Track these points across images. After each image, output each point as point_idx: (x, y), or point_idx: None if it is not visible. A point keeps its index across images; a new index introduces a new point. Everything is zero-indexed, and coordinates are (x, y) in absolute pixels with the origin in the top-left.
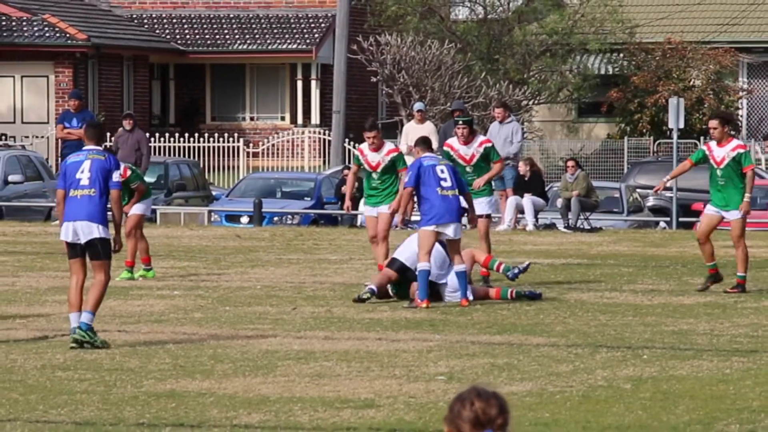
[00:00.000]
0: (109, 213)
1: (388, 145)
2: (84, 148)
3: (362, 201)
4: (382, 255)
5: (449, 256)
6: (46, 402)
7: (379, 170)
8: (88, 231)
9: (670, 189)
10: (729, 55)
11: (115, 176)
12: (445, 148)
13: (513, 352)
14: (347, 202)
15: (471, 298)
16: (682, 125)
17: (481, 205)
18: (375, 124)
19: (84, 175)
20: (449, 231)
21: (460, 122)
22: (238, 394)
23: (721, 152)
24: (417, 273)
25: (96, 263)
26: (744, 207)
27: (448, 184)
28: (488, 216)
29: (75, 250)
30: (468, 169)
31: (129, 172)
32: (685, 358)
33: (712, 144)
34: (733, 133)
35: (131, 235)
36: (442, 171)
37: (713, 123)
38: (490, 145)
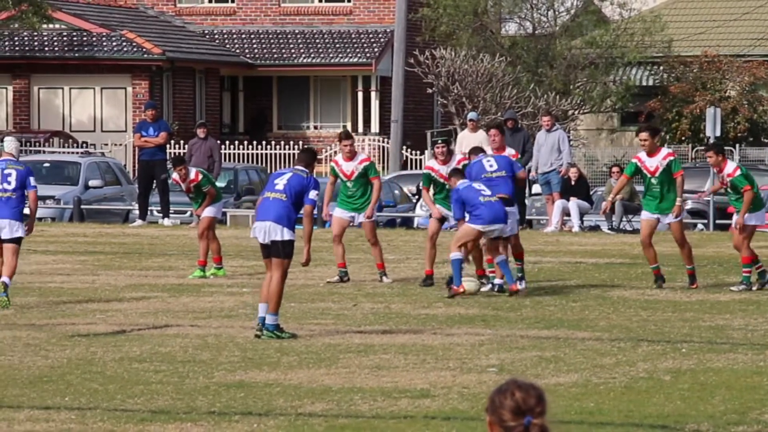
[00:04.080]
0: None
1: (361, 155)
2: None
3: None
4: (341, 254)
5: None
6: (124, 392)
7: (353, 179)
8: (274, 232)
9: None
10: (763, 67)
11: (312, 194)
12: (425, 170)
13: (560, 345)
14: (325, 210)
15: (522, 286)
16: (718, 133)
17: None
18: (349, 134)
19: (281, 182)
20: (495, 233)
21: (439, 141)
22: (303, 384)
23: (654, 162)
24: (451, 263)
25: (275, 260)
26: (676, 210)
27: (488, 192)
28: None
29: (267, 249)
30: (448, 187)
31: (201, 177)
32: (721, 351)
33: (642, 155)
34: (660, 143)
35: (203, 236)
36: (479, 185)
37: (643, 135)
38: (466, 163)
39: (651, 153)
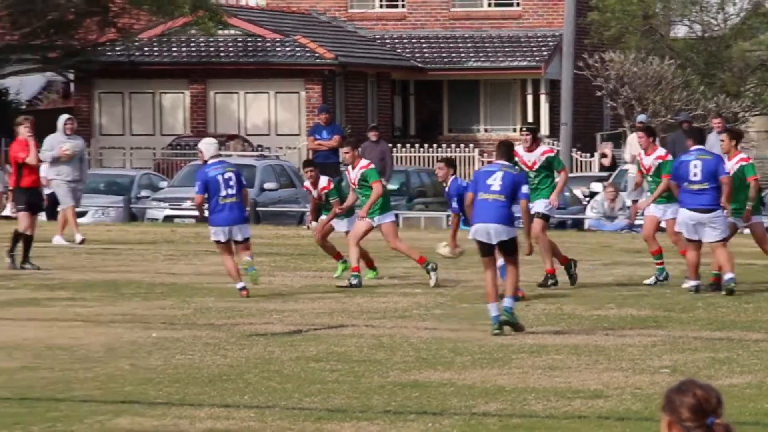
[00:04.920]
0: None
1: (363, 162)
2: (496, 162)
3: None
4: (354, 257)
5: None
6: (301, 390)
7: (356, 188)
8: (500, 233)
9: None
10: None
11: (524, 189)
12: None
13: (733, 347)
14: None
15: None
16: None
17: (538, 206)
18: (350, 141)
19: (495, 182)
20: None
21: (524, 129)
22: (477, 384)
23: (729, 165)
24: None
25: (508, 258)
26: (745, 215)
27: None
28: (543, 216)
29: (486, 248)
30: (531, 174)
31: (332, 186)
32: None
33: (724, 157)
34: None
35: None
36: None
37: (722, 136)
38: (552, 155)
39: (729, 156)
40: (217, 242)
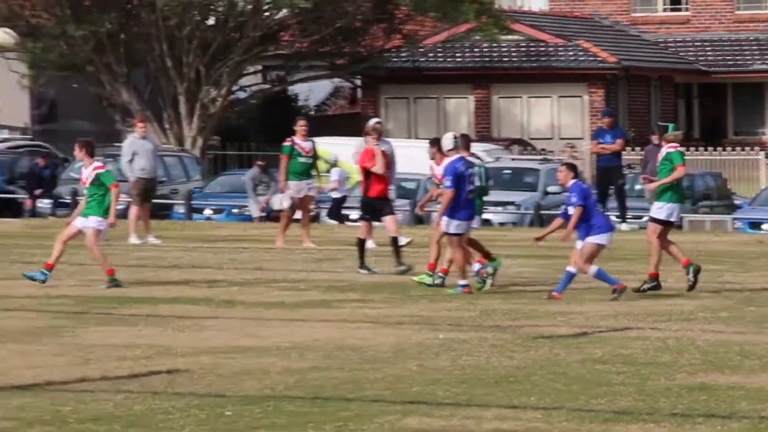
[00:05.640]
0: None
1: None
2: None
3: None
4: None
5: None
6: (587, 392)
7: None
8: None
9: None
10: None
11: None
12: None
13: None
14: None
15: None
16: None
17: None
18: (435, 139)
19: None
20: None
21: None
22: (766, 388)
23: None
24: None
25: None
26: None
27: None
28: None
29: None
30: None
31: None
32: None
33: None
34: None
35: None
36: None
37: None
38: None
39: None
40: (456, 235)
